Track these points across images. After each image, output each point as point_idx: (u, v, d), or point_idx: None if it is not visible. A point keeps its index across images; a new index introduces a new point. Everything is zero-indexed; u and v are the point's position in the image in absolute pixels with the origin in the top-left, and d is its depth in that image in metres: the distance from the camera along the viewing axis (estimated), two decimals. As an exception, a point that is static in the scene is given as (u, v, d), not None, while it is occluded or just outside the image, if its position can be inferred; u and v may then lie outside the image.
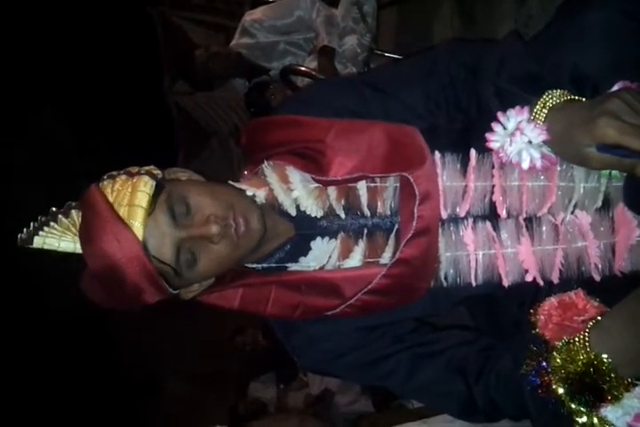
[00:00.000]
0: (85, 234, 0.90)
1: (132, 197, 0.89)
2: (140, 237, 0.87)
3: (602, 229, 0.97)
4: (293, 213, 1.00)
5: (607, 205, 0.99)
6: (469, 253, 0.96)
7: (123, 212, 0.88)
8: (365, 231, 0.99)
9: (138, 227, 0.87)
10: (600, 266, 0.95)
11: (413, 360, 0.99)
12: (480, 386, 0.94)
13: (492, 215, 0.97)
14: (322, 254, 0.99)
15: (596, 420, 0.73)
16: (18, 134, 3.24)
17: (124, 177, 0.93)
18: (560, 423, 0.81)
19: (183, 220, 0.91)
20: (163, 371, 3.67)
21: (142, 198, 0.89)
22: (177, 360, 3.60)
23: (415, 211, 0.90)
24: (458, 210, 0.97)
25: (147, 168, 0.98)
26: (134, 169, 0.97)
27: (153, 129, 3.92)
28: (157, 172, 0.98)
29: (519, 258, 0.95)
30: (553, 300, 0.80)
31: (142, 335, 3.64)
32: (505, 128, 0.88)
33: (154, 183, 0.92)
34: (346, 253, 0.98)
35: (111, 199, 0.90)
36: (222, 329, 3.36)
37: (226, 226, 0.91)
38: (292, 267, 1.01)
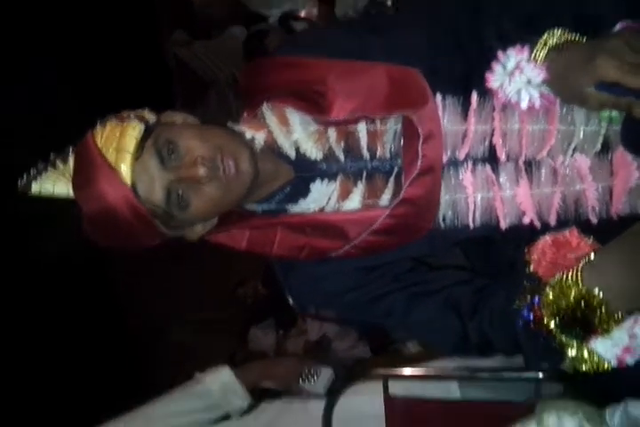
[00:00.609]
0: (77, 179, 0.93)
1: (119, 141, 0.91)
2: (129, 181, 0.90)
3: (600, 172, 0.98)
4: (293, 155, 1.00)
5: (606, 148, 0.99)
6: (468, 196, 0.97)
7: (111, 156, 0.90)
8: (364, 174, 1.00)
9: (126, 171, 0.90)
10: (597, 209, 0.96)
11: (410, 299, 1.01)
12: (474, 323, 0.97)
13: (491, 158, 0.98)
14: (321, 196, 1.00)
15: (585, 352, 0.76)
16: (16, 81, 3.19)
17: (114, 122, 0.95)
18: (551, 357, 0.84)
19: (172, 162, 0.92)
20: (164, 319, 3.73)
21: (130, 143, 0.91)
22: (179, 308, 3.66)
23: (420, 149, 0.91)
24: (457, 153, 0.98)
25: (139, 112, 0.99)
26: (126, 113, 0.98)
27: (151, 80, 3.87)
28: (151, 116, 0.99)
29: (517, 200, 0.96)
30: (547, 238, 0.82)
31: (144, 284, 3.71)
32: (504, 67, 0.87)
33: (142, 127, 0.93)
34: (345, 194, 0.99)
35: (100, 144, 0.92)
36: (224, 279, 3.42)
37: (213, 168, 0.91)
38: (292, 209, 1.02)
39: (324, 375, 1.63)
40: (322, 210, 1.00)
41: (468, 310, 0.99)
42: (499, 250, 1.06)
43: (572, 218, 0.97)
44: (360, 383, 1.51)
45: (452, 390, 1.49)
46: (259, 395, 1.62)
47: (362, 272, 1.03)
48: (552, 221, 0.96)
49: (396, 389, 1.46)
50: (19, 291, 3.07)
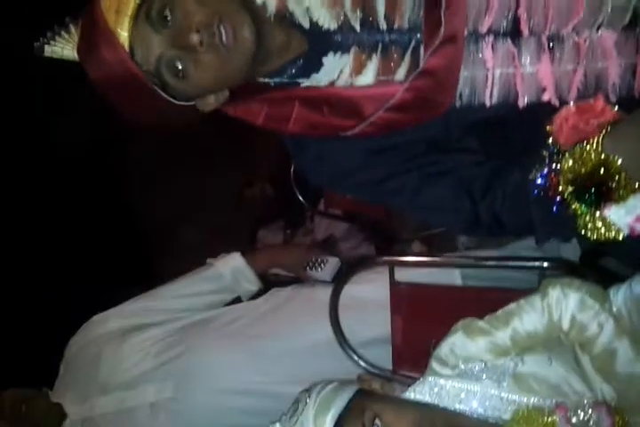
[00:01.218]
0: (81, 43, 0.92)
1: (119, 2, 0.88)
2: (126, 45, 0.88)
3: (625, 48, 0.94)
4: (306, 25, 0.96)
5: (634, 23, 0.95)
6: (487, 72, 0.94)
7: (111, 19, 0.88)
8: (380, 47, 0.96)
9: (123, 35, 0.88)
10: (618, 86, 0.93)
11: (422, 178, 1.01)
12: (486, 202, 0.97)
13: (513, 33, 0.94)
14: (333, 70, 0.96)
15: (598, 220, 0.76)
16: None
17: None
18: (563, 230, 0.84)
19: (168, 29, 0.89)
20: (173, 221, 3.77)
21: (128, 4, 0.88)
22: (187, 210, 3.69)
23: (442, 16, 0.87)
24: (480, 26, 0.93)
25: None
26: None
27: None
28: None
29: (537, 77, 0.93)
30: (570, 106, 0.80)
31: (153, 186, 3.73)
32: None
33: None
34: (358, 69, 0.96)
35: (104, 7, 0.89)
36: (233, 181, 3.44)
37: (209, 35, 0.87)
38: (305, 83, 0.99)
39: (331, 264, 1.66)
40: (332, 84, 0.97)
41: (480, 191, 0.98)
42: (515, 132, 1.05)
43: (592, 96, 0.94)
44: (366, 272, 1.55)
45: (455, 281, 1.52)
46: (268, 281, 1.68)
47: (375, 152, 1.02)
48: (572, 99, 0.93)
49: (400, 277, 1.50)
50: (31, 186, 3.09)
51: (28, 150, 3.10)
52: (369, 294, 1.56)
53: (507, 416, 1.00)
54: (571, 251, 1.51)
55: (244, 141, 3.44)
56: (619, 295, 1.04)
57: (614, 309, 1.02)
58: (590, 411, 0.98)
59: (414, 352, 1.33)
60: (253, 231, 3.16)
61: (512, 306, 1.06)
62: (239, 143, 3.45)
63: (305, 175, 1.09)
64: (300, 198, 2.24)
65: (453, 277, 1.51)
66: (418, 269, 1.55)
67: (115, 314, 1.61)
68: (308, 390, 1.05)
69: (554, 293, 1.01)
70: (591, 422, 0.98)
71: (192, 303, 1.62)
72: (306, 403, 1.00)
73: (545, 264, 1.33)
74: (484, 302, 1.35)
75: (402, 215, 2.51)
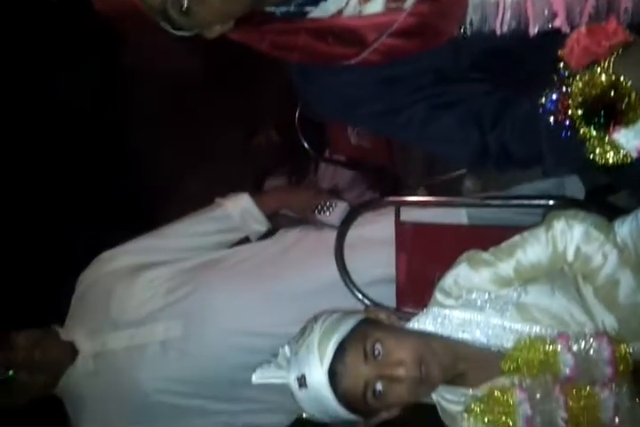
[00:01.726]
0: None
1: None
2: None
3: None
4: None
5: None
6: (498, -1, 0.92)
7: None
8: None
9: None
10: (630, 11, 0.91)
11: (430, 110, 1.00)
12: (495, 132, 0.96)
13: None
14: (340, -3, 0.94)
15: (607, 144, 0.76)
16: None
17: None
18: (571, 157, 0.84)
19: None
20: (178, 170, 3.76)
21: None
22: (193, 159, 3.67)
23: None
24: None
25: None
26: None
27: None
28: None
29: (549, 2, 0.91)
30: (582, 28, 0.79)
31: (158, 135, 3.70)
32: None
33: None
34: None
35: None
36: (237, 129, 3.41)
37: None
38: (312, 12, 0.97)
39: (340, 209, 1.64)
40: (340, 12, 0.95)
41: (489, 121, 0.98)
42: (524, 61, 1.03)
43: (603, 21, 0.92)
44: (372, 214, 1.56)
45: (461, 220, 1.53)
46: (276, 222, 1.68)
47: (383, 83, 1.01)
48: (582, 24, 0.92)
49: (406, 219, 1.51)
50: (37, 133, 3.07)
51: (30, 96, 3.06)
52: (374, 234, 1.56)
53: (509, 345, 1.03)
54: (576, 191, 1.52)
55: (246, 89, 3.39)
56: (624, 227, 1.05)
57: (619, 240, 1.03)
58: (591, 340, 1.00)
59: (418, 290, 1.35)
60: (259, 181, 3.15)
61: (516, 238, 1.07)
62: (242, 91, 3.41)
63: (313, 107, 1.08)
64: (305, 145, 2.22)
65: (459, 217, 1.51)
66: (423, 211, 1.56)
67: (123, 252, 1.61)
68: (315, 317, 1.08)
69: (558, 224, 1.02)
70: (592, 352, 1.00)
71: (200, 243, 1.62)
72: (312, 328, 1.03)
73: (550, 202, 1.34)
74: (488, 240, 1.35)
75: (406, 161, 2.51)
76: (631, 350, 1.01)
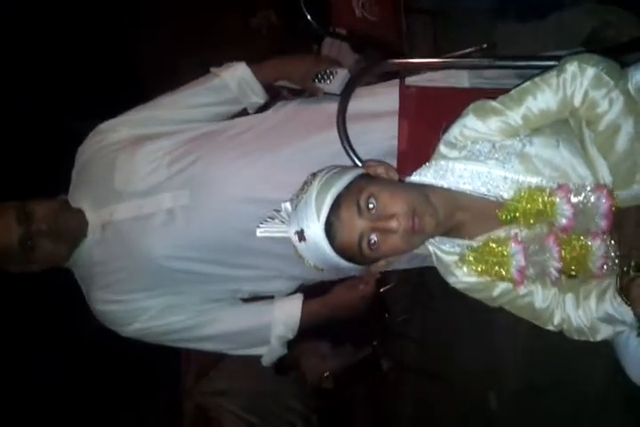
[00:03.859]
0: None
1: None
2: None
3: None
4: None
5: None
6: None
7: None
8: None
9: None
10: None
11: None
12: None
13: None
14: None
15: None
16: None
17: None
18: None
19: None
20: (177, 61, 3.65)
21: None
22: (195, 48, 3.55)
23: None
24: None
25: None
26: None
27: None
28: None
29: None
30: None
31: (156, 23, 3.56)
32: None
33: None
34: None
35: None
36: (235, 12, 3.26)
37: None
38: None
39: (341, 76, 1.56)
40: None
41: None
42: None
43: None
44: (373, 86, 1.51)
45: (463, 84, 1.48)
46: (274, 93, 1.62)
47: None
48: None
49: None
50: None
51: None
52: (377, 105, 1.52)
53: (509, 195, 1.03)
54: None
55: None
56: (637, 74, 1.01)
57: (630, 87, 1.00)
58: (590, 193, 1.00)
59: (419, 157, 1.33)
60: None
61: (527, 84, 1.04)
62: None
63: None
64: (309, 18, 2.11)
65: (461, 81, 1.46)
66: (425, 78, 1.51)
67: (121, 123, 1.58)
68: (314, 173, 1.07)
69: (570, 68, 0.99)
70: (589, 204, 1.00)
71: (199, 115, 1.59)
72: (311, 183, 1.03)
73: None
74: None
75: (414, 36, 2.40)
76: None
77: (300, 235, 1.02)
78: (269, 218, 1.10)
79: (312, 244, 1.01)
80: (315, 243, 1.01)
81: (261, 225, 1.09)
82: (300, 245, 1.03)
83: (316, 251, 1.02)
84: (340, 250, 1.01)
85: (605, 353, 1.08)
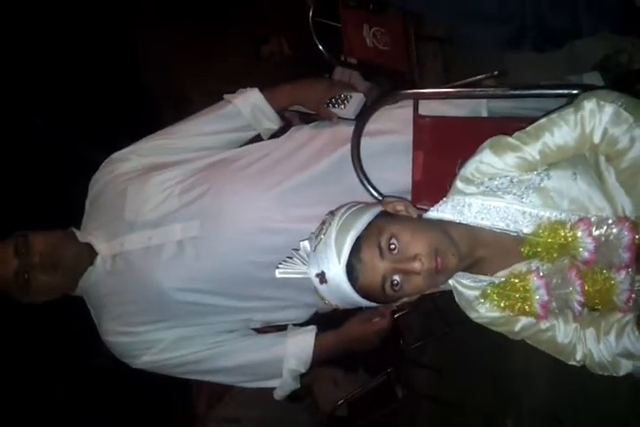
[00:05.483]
0: None
1: None
2: None
3: None
4: None
5: None
6: None
7: None
8: None
9: None
10: None
11: None
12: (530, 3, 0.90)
13: None
14: None
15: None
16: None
17: None
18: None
19: None
20: (189, 90, 3.69)
21: None
22: (204, 79, 3.58)
23: None
24: None
25: None
26: None
27: None
28: None
29: None
30: None
31: (169, 56, 3.60)
32: None
33: None
34: None
35: None
36: (246, 41, 3.29)
37: None
38: None
39: (356, 100, 1.52)
40: None
41: None
42: None
43: None
44: (390, 107, 1.49)
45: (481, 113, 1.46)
46: (287, 119, 1.60)
47: None
48: None
49: (425, 111, 1.45)
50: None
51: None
52: (392, 124, 1.50)
53: (528, 230, 1.02)
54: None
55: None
56: None
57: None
58: (613, 226, 0.99)
59: (433, 186, 1.32)
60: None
61: (543, 121, 1.03)
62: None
63: None
64: (320, 47, 2.13)
65: (479, 111, 1.45)
66: (440, 108, 1.49)
67: (133, 152, 1.58)
68: (333, 212, 1.07)
69: (588, 105, 0.98)
70: (612, 237, 0.99)
71: (211, 142, 1.57)
72: (330, 224, 1.02)
73: (574, 91, 1.27)
74: (509, 133, 1.32)
75: (423, 66, 2.41)
76: None
77: (322, 277, 1.01)
78: (288, 258, 1.09)
79: (334, 286, 1.01)
80: (336, 285, 1.00)
81: (280, 266, 1.08)
82: (322, 287, 1.03)
83: (337, 292, 1.02)
84: (362, 291, 1.01)
85: (627, 376, 1.07)
